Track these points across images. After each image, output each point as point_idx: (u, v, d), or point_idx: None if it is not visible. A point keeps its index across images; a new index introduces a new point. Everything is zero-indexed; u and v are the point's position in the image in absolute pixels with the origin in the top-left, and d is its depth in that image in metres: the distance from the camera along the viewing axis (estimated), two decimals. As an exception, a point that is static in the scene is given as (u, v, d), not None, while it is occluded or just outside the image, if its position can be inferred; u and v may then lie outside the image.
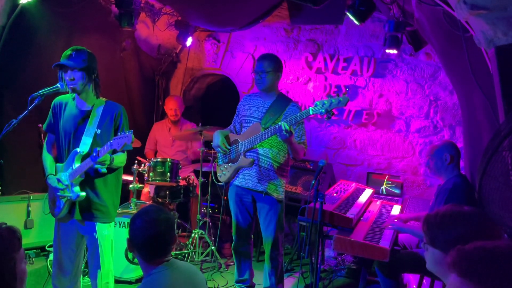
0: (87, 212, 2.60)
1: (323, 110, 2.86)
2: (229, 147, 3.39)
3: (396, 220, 3.21)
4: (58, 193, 2.56)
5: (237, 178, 3.36)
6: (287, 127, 2.90)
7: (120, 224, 3.63)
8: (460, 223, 1.49)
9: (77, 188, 2.54)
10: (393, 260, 2.81)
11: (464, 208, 1.53)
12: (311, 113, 2.91)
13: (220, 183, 3.54)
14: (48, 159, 2.73)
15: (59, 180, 2.57)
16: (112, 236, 2.70)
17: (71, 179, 2.54)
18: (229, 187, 3.45)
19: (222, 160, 3.48)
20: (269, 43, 5.42)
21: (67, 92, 2.59)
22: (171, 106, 4.93)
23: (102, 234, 2.61)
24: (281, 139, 3.05)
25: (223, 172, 3.44)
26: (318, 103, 2.89)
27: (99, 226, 2.61)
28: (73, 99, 2.64)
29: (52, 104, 2.71)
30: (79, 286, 2.76)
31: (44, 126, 2.75)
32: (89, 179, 2.59)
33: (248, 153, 3.27)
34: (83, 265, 3.04)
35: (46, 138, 2.78)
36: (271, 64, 3.24)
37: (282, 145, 3.26)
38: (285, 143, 3.13)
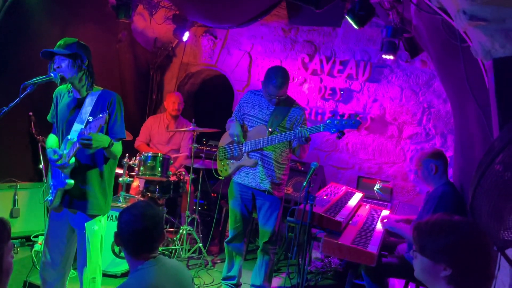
0: (77, 202, 2.56)
1: (334, 130, 2.90)
2: (242, 142, 3.38)
3: (385, 221, 3.26)
4: (55, 164, 2.49)
5: (239, 176, 3.40)
6: (307, 135, 2.97)
7: (108, 217, 3.59)
8: (449, 232, 1.49)
9: (66, 177, 2.51)
10: (379, 265, 2.83)
11: (454, 218, 1.53)
12: (321, 130, 2.96)
13: (220, 177, 3.62)
14: (51, 137, 2.69)
15: (55, 152, 2.51)
16: (103, 232, 2.66)
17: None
18: (221, 184, 3.48)
19: (223, 156, 3.53)
20: (266, 42, 5.41)
21: (60, 82, 2.55)
22: (174, 100, 4.85)
23: (91, 229, 2.57)
24: (299, 143, 3.11)
25: (224, 167, 3.51)
26: (329, 121, 2.93)
27: (88, 221, 2.58)
28: (69, 89, 2.61)
29: (53, 94, 2.70)
30: (66, 279, 2.71)
31: (48, 116, 2.73)
32: (82, 169, 2.55)
33: (251, 154, 3.31)
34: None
35: (52, 129, 2.76)
36: (287, 86, 3.26)
37: (285, 146, 3.31)
38: (300, 145, 3.19)
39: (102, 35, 4.76)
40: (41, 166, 4.04)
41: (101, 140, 2.43)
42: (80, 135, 2.34)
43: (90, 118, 2.46)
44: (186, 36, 5.00)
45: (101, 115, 2.30)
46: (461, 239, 1.47)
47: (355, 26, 3.08)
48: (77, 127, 2.51)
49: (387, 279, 3.43)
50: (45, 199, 2.67)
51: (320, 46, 5.14)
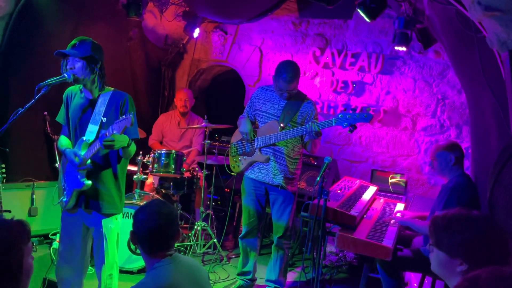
0: (93, 202, 2.59)
1: (346, 123, 2.89)
2: (251, 139, 3.41)
3: (398, 215, 3.24)
4: (76, 168, 2.50)
5: (252, 172, 3.41)
6: (318, 129, 2.97)
7: (123, 215, 3.63)
8: (466, 228, 1.48)
9: (83, 177, 2.54)
10: (395, 259, 2.81)
11: (472, 212, 1.51)
12: (333, 124, 2.96)
13: (233, 173, 3.65)
14: (63, 139, 2.69)
15: (75, 154, 2.50)
16: (119, 229, 2.69)
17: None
18: (234, 179, 3.50)
19: (235, 152, 3.55)
20: (277, 36, 5.38)
21: (73, 82, 2.57)
22: (181, 97, 4.89)
23: (107, 227, 2.60)
24: (310, 138, 3.12)
25: (237, 164, 3.53)
26: (341, 115, 2.92)
27: (105, 219, 2.60)
28: (80, 89, 2.63)
29: (64, 95, 2.71)
30: (84, 276, 2.74)
31: (58, 118, 2.74)
32: (97, 169, 2.58)
33: (263, 149, 3.32)
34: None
35: (62, 130, 2.76)
36: (298, 80, 3.25)
37: (297, 141, 3.31)
38: (311, 140, 3.20)
39: (113, 33, 4.78)
40: (57, 165, 4.10)
41: (122, 140, 2.47)
42: (103, 136, 2.37)
43: (104, 119, 2.49)
44: (196, 32, 5.00)
45: (124, 116, 2.33)
46: (478, 234, 1.46)
47: (366, 19, 3.04)
48: (92, 128, 2.53)
49: (403, 273, 3.41)
50: (59, 200, 2.69)
51: (331, 39, 5.09)
